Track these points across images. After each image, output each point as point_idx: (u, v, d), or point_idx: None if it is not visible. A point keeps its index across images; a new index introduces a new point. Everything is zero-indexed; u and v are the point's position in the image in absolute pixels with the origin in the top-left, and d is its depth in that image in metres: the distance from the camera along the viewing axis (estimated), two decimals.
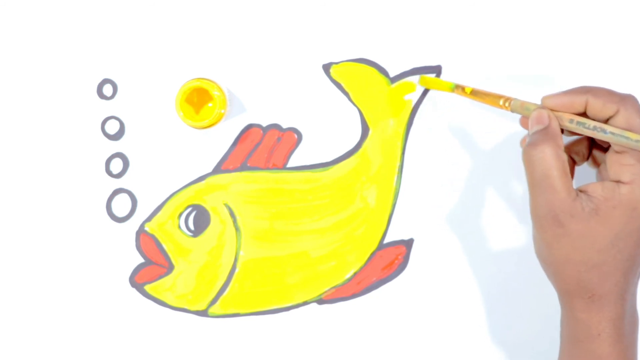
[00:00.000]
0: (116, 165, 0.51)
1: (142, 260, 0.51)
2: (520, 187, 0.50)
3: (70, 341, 0.51)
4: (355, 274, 0.51)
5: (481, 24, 0.51)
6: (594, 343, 0.39)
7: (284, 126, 0.51)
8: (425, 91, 0.51)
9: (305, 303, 0.51)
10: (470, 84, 0.50)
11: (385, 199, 0.51)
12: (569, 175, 0.38)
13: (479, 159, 0.51)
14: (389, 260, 0.51)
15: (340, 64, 0.51)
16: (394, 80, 0.51)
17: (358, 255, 0.51)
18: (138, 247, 0.51)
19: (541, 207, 0.38)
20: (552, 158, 0.37)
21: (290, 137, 0.51)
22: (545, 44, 0.51)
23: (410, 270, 0.51)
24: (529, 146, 0.38)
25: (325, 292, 0.51)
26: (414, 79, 0.51)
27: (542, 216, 0.38)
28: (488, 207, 0.50)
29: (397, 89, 0.51)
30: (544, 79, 0.50)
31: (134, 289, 0.51)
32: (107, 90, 0.51)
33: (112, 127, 0.51)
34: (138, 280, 0.51)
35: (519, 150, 0.41)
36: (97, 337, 0.51)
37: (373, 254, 0.51)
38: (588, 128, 0.38)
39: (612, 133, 0.37)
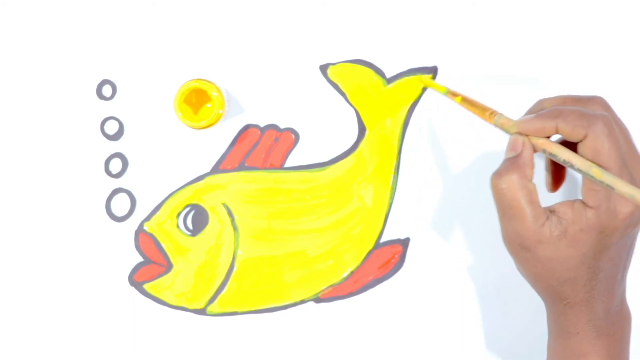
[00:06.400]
0: (115, 165, 0.51)
1: (141, 259, 0.51)
2: None
3: (69, 340, 0.51)
4: (352, 272, 0.51)
5: (477, 25, 0.51)
6: (573, 340, 0.39)
7: (282, 126, 0.51)
8: (422, 91, 0.51)
9: (302, 302, 0.51)
10: (467, 84, 0.51)
11: (381, 198, 0.51)
12: (536, 202, 0.38)
13: (476, 158, 0.51)
14: (386, 259, 0.51)
15: (337, 64, 0.51)
16: (390, 80, 0.51)
17: (355, 254, 0.51)
18: (137, 246, 0.51)
19: (509, 234, 0.39)
20: (517, 188, 0.37)
21: (288, 138, 0.51)
22: (542, 45, 0.51)
23: (406, 269, 0.51)
24: (496, 175, 0.38)
25: (323, 290, 0.51)
26: (410, 79, 0.51)
27: (510, 243, 0.39)
28: (484, 207, 0.50)
29: (393, 90, 0.51)
30: (540, 79, 0.51)
31: (133, 288, 0.51)
32: (107, 91, 0.51)
33: (112, 128, 0.51)
34: (137, 279, 0.51)
35: None
36: (96, 335, 0.51)
37: (370, 253, 0.51)
38: (559, 160, 0.38)
39: (579, 170, 0.37)
